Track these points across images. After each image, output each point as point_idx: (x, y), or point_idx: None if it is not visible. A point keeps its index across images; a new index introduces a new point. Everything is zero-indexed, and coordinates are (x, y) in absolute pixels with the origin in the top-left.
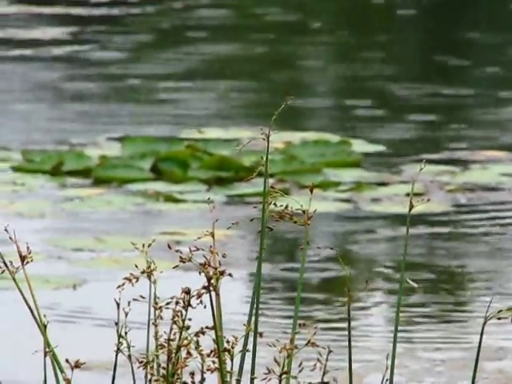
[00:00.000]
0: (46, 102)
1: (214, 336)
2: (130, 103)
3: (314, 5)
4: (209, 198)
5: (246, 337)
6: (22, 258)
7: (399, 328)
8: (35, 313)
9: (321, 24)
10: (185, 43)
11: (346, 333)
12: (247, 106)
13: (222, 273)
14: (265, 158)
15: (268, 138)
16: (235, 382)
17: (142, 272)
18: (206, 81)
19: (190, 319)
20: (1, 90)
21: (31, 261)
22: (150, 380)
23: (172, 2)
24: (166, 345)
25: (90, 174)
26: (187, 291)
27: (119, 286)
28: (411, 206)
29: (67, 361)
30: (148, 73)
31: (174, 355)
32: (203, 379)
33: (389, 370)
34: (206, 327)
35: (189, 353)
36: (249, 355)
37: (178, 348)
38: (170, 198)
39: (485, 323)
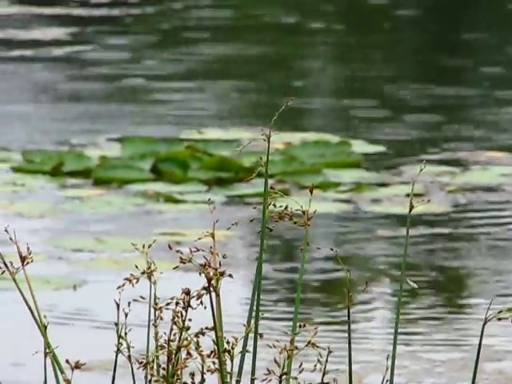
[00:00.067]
0: (46, 102)
1: (214, 337)
2: (130, 104)
3: (313, 5)
4: (209, 199)
5: (246, 338)
6: (23, 259)
7: (399, 329)
8: (35, 313)
9: (320, 24)
10: (185, 44)
11: (346, 334)
12: (247, 107)
13: (222, 273)
14: (264, 159)
15: (269, 138)
16: (235, 382)
17: (142, 273)
18: (206, 81)
19: (190, 320)
20: (1, 91)
21: (31, 261)
22: (150, 381)
23: (172, 2)
24: (166, 345)
25: (90, 174)
26: (187, 292)
27: (119, 287)
28: (411, 207)
29: (67, 361)
30: (148, 73)
31: (174, 356)
32: (203, 380)
33: (389, 371)
34: (206, 328)
35: (189, 353)
36: (249, 356)
37: (178, 349)
38: (169, 199)
39: (485, 324)
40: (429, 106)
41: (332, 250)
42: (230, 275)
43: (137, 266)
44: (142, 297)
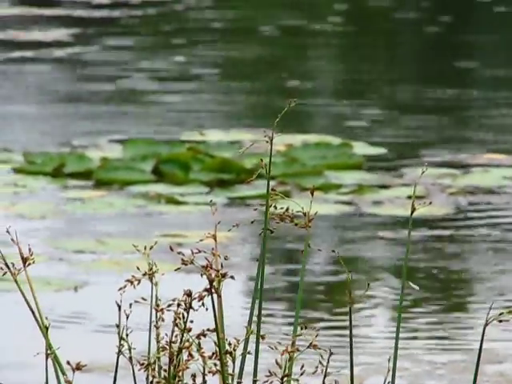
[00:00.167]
0: (47, 103)
1: (215, 338)
2: (132, 105)
3: (314, 7)
4: (210, 201)
5: (248, 339)
6: (24, 260)
7: (400, 331)
8: (37, 315)
9: (322, 26)
10: (186, 45)
11: (348, 336)
12: (248, 109)
13: (224, 275)
14: (265, 161)
15: (271, 140)
16: None
17: (144, 274)
18: (208, 83)
19: (191, 321)
20: (2, 92)
21: (33, 263)
22: (152, 382)
23: (173, 4)
24: (167, 347)
25: (92, 175)
26: (189, 293)
27: (120, 289)
28: (413, 209)
29: (68, 363)
30: (149, 74)
31: (175, 357)
32: (205, 381)
33: (390, 373)
34: (208, 329)
35: (190, 355)
36: (250, 358)
37: (180, 350)
38: (171, 200)
39: (486, 326)
40: (430, 108)
41: (333, 251)
42: (232, 277)
43: (138, 268)
44: (143, 298)
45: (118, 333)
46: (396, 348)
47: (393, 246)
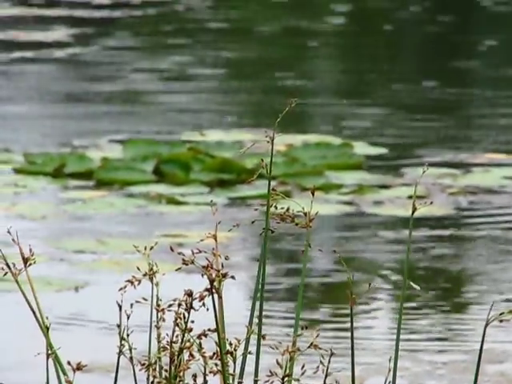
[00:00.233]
0: (47, 103)
1: (216, 338)
2: (132, 105)
3: (315, 7)
4: (211, 201)
5: (248, 339)
6: (25, 260)
7: (401, 331)
8: (37, 315)
9: (323, 26)
10: (186, 45)
11: (348, 335)
12: (249, 109)
13: (225, 275)
14: (266, 160)
15: (272, 140)
16: None
17: (144, 274)
18: (208, 83)
19: (192, 321)
20: (3, 92)
21: (34, 263)
22: (153, 382)
23: (173, 4)
24: (168, 347)
25: (92, 176)
26: (189, 293)
27: (121, 289)
28: (414, 209)
29: (69, 363)
30: (149, 75)
31: (176, 357)
32: (206, 381)
33: (391, 373)
34: (209, 329)
35: (191, 355)
36: (251, 358)
37: (181, 350)
38: (171, 201)
39: (486, 326)
40: (431, 108)
41: (334, 251)
42: (233, 277)
43: (138, 268)
44: (144, 298)
45: (119, 333)
46: (397, 348)
47: (393, 245)
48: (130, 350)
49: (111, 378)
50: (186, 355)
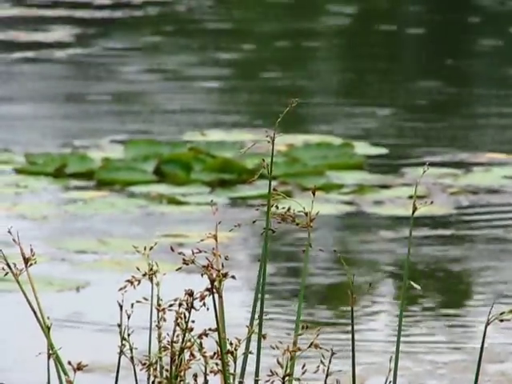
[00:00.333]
0: (48, 104)
1: (217, 338)
2: (133, 105)
3: (315, 8)
4: (212, 201)
5: (249, 339)
6: (26, 261)
7: (401, 330)
8: (38, 315)
9: (323, 27)
10: (187, 45)
11: (349, 335)
12: (250, 109)
13: (225, 275)
14: (267, 161)
15: (273, 140)
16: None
17: (144, 274)
18: (209, 83)
19: (193, 321)
20: (4, 93)
21: (35, 263)
22: (153, 382)
23: (175, 4)
24: (169, 347)
25: (93, 176)
26: (190, 293)
27: (121, 289)
28: (415, 209)
29: (69, 363)
30: (150, 75)
31: (177, 357)
32: (206, 381)
33: (392, 373)
34: (209, 329)
35: (192, 355)
36: (252, 357)
37: (182, 350)
38: (172, 201)
39: (487, 325)
40: (431, 108)
41: (335, 251)
42: (233, 276)
43: (138, 268)
44: (145, 298)
45: (120, 333)
46: (397, 348)
47: (394, 245)
48: (131, 349)
49: (112, 378)
50: (186, 355)
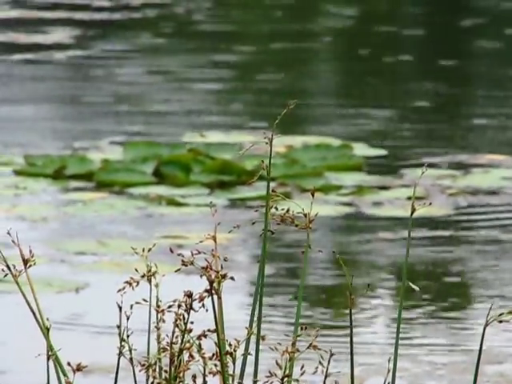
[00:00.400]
0: (48, 106)
1: (216, 339)
2: (132, 107)
3: (315, 9)
4: (211, 202)
5: (248, 340)
6: (25, 262)
7: (400, 331)
8: (38, 316)
9: (323, 28)
10: (186, 47)
11: (348, 336)
12: (249, 110)
13: (224, 276)
14: (266, 162)
15: (271, 142)
16: None
17: (143, 276)
18: (208, 84)
19: (192, 322)
20: (3, 94)
21: (34, 264)
22: (153, 383)
23: (173, 6)
24: (168, 348)
25: (93, 177)
26: (189, 294)
27: (120, 290)
28: (413, 210)
29: (69, 364)
30: (150, 76)
31: (176, 358)
32: (205, 382)
33: (390, 373)
34: (208, 330)
35: (191, 356)
36: (251, 358)
37: (181, 351)
38: (172, 202)
39: (486, 326)
40: (430, 109)
41: (334, 252)
42: (232, 278)
43: (137, 270)
44: (144, 299)
45: (119, 334)
46: (396, 348)
47: (392, 246)
48: (130, 351)
49: (111, 379)
50: (185, 356)
